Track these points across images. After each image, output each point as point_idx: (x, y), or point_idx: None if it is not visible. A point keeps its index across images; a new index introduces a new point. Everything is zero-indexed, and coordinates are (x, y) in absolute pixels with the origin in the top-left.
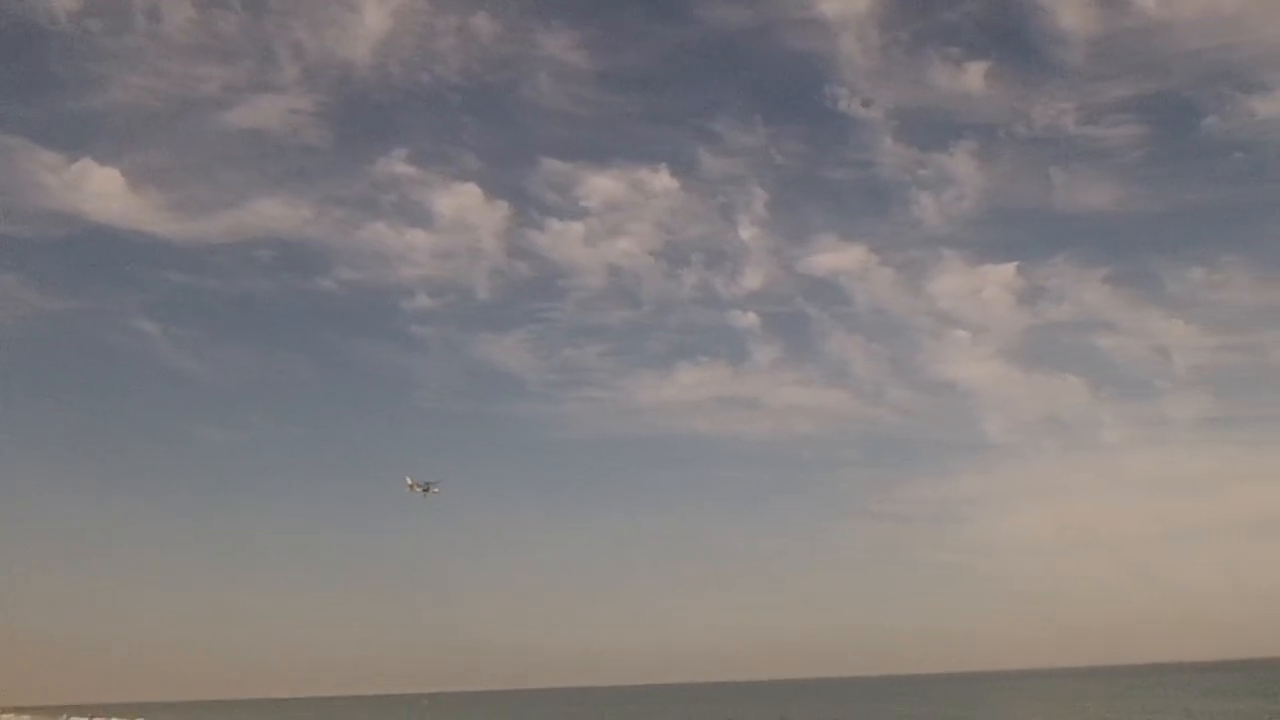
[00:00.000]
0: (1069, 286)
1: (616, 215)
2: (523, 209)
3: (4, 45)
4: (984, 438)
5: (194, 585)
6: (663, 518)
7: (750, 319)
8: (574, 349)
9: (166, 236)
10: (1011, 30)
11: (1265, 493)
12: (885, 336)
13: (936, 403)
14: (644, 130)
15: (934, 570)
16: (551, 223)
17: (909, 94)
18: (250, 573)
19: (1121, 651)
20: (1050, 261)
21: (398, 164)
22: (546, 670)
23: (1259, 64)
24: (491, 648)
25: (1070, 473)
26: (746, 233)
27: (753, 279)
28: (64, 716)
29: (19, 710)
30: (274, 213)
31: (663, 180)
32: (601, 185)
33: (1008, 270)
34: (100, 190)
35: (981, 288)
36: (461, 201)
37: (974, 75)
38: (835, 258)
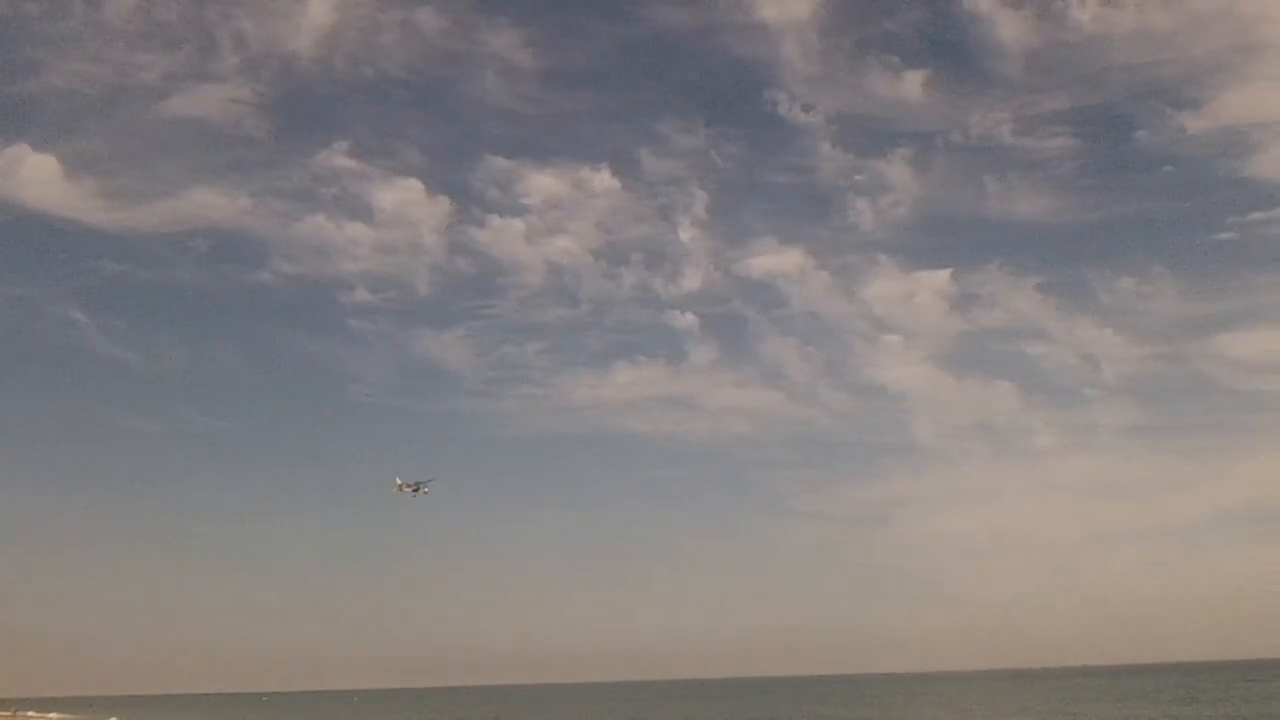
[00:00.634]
0: (1001, 294)
1: (557, 214)
2: (464, 205)
3: None
4: (914, 441)
5: (123, 577)
6: (599, 515)
7: (688, 320)
8: (513, 346)
9: (101, 225)
10: (951, 41)
11: (1191, 499)
12: (820, 339)
13: (869, 406)
14: (586, 129)
15: (863, 571)
16: (492, 220)
17: (848, 100)
18: (182, 566)
19: (1050, 655)
20: (983, 269)
21: (339, 157)
22: (478, 668)
23: (1190, 81)
24: (427, 644)
25: (1000, 478)
26: (686, 234)
27: (691, 280)
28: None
29: None
30: (212, 203)
31: (604, 180)
32: (543, 183)
33: (942, 277)
34: (35, 177)
35: (915, 293)
36: (403, 196)
37: (913, 84)
38: (773, 260)
